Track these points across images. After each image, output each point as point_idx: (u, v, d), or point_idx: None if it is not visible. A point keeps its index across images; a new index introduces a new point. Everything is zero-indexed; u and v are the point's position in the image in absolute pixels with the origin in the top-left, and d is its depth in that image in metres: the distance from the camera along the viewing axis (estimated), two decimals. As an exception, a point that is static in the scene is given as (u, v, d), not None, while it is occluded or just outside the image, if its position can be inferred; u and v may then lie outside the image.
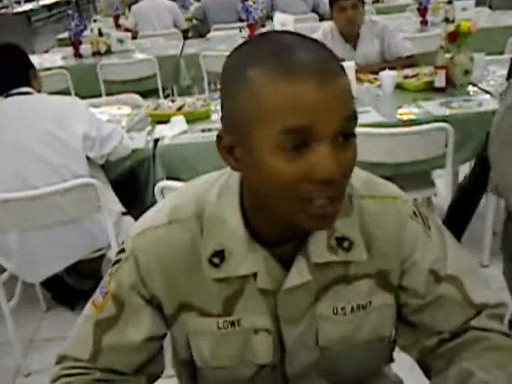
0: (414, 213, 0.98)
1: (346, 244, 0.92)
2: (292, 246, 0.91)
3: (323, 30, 3.42)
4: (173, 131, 2.57)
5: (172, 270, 0.93)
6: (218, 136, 0.84)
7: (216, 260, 0.91)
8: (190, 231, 0.92)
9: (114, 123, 2.68)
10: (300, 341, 0.97)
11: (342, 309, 0.96)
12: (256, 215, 0.90)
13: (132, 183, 2.52)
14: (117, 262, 0.97)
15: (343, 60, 2.94)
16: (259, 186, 0.80)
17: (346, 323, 0.96)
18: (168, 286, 0.94)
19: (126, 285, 0.95)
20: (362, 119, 2.52)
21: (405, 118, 2.54)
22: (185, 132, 2.58)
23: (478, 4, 5.47)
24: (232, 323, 0.95)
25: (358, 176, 0.98)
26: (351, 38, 3.36)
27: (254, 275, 0.91)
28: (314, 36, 3.35)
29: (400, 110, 2.62)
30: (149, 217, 0.98)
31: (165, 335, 1.01)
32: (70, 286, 2.71)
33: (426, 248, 0.97)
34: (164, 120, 2.71)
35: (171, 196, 1.00)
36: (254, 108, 0.75)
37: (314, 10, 6.12)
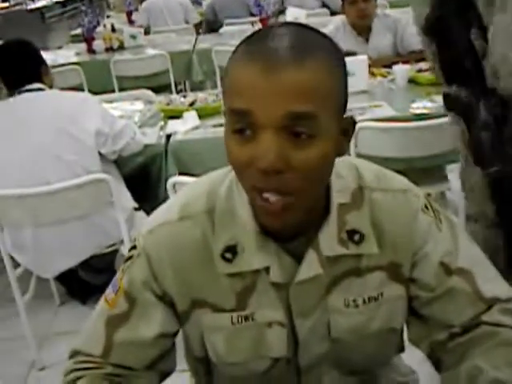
0: (426, 206, 0.98)
1: (356, 237, 0.93)
2: (303, 239, 0.92)
3: (335, 24, 3.40)
4: (185, 127, 2.57)
5: (184, 266, 0.93)
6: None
7: (228, 255, 0.92)
8: (201, 227, 0.93)
9: (127, 119, 2.69)
10: (312, 333, 0.97)
11: (354, 301, 0.96)
12: None
13: (144, 179, 2.53)
14: (129, 258, 0.98)
15: (355, 53, 2.93)
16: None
17: (357, 315, 0.96)
18: (180, 282, 0.94)
19: (138, 281, 0.95)
20: (374, 113, 2.52)
21: (418, 112, 2.51)
22: (197, 127, 2.58)
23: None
24: (246, 318, 0.95)
25: (370, 170, 0.98)
26: (363, 31, 3.33)
27: (266, 269, 0.92)
28: (326, 30, 3.37)
29: (413, 104, 2.59)
30: (160, 213, 0.99)
31: (177, 333, 1.01)
32: (84, 281, 2.73)
33: (437, 241, 0.96)
34: (176, 115, 2.71)
35: (181, 192, 1.01)
36: (224, 87, 0.83)
37: (325, 6, 6.08)
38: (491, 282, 0.98)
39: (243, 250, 0.91)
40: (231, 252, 0.91)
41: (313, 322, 0.96)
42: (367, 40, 3.34)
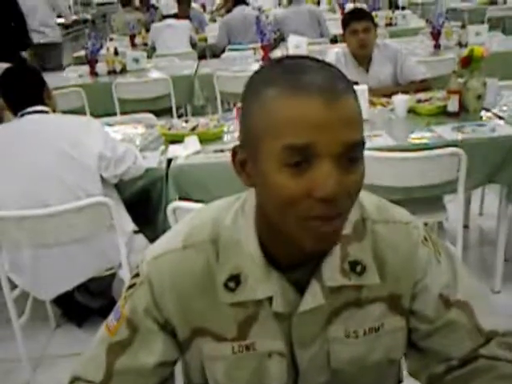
0: (425, 238, 0.99)
1: (358, 268, 0.93)
2: (306, 269, 0.92)
3: (336, 54, 3.45)
4: (186, 151, 2.58)
5: (186, 295, 0.94)
6: (234, 151, 0.87)
7: (231, 284, 0.92)
8: (205, 256, 0.93)
9: (128, 142, 2.71)
10: (312, 363, 0.97)
11: (354, 332, 0.96)
12: (271, 239, 0.91)
13: (145, 203, 2.53)
14: (132, 286, 0.98)
15: (356, 83, 2.96)
16: (266, 201, 0.83)
17: (357, 346, 0.97)
18: (182, 310, 0.94)
19: (140, 309, 0.96)
20: (374, 143, 2.54)
21: (417, 142, 2.54)
22: (198, 152, 2.59)
23: (491, 29, 5.49)
24: (247, 347, 0.96)
25: (371, 201, 0.99)
26: (364, 61, 3.38)
27: (269, 299, 0.92)
28: (327, 59, 3.41)
29: (412, 134, 2.61)
30: (164, 241, 0.99)
31: (177, 361, 1.02)
32: (80, 304, 2.72)
33: (436, 273, 0.98)
34: (178, 140, 2.73)
35: (187, 220, 1.01)
36: (263, 123, 0.79)
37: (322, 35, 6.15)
38: (489, 315, 0.99)
39: (247, 280, 0.92)
40: (234, 281, 0.92)
41: (313, 352, 0.96)
42: (367, 70, 3.38)
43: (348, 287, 0.94)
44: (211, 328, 0.95)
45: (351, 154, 0.78)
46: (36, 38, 5.86)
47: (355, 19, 3.28)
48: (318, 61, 0.83)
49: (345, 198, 0.79)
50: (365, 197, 1.00)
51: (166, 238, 1.00)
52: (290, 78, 0.78)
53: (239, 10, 6.09)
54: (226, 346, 0.96)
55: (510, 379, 0.92)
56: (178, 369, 1.07)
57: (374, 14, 4.51)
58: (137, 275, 0.98)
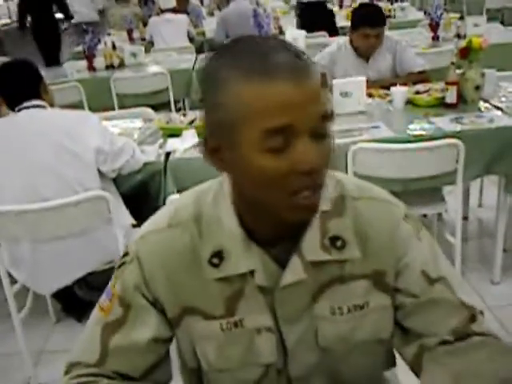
0: (406, 215, 1.01)
1: (339, 243, 0.96)
2: (287, 245, 0.94)
3: (337, 44, 3.43)
4: (184, 145, 2.59)
5: (174, 273, 0.96)
6: (204, 140, 0.88)
7: (215, 260, 0.95)
8: (189, 233, 0.96)
9: (126, 136, 2.70)
10: (301, 341, 0.99)
11: (339, 309, 0.98)
12: (249, 215, 0.93)
13: (143, 196, 2.53)
14: (121, 264, 1.01)
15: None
16: (246, 184, 0.85)
17: (343, 323, 0.99)
18: (170, 288, 0.97)
19: (131, 286, 0.98)
20: (372, 134, 2.53)
21: (415, 133, 2.53)
22: (196, 146, 2.59)
23: (489, 20, 5.48)
24: (235, 324, 0.98)
25: (351, 181, 1.03)
26: (365, 53, 3.36)
27: (252, 274, 0.94)
28: (328, 49, 3.40)
29: (411, 126, 2.61)
30: (150, 222, 1.03)
31: (171, 339, 1.03)
32: (80, 298, 2.72)
33: (417, 250, 0.99)
34: (176, 133, 2.72)
35: (172, 201, 1.03)
36: (235, 111, 0.80)
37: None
38: (464, 293, 1.00)
39: (229, 255, 0.94)
40: (218, 257, 0.94)
41: (300, 329, 0.98)
42: (367, 61, 3.36)
43: (330, 263, 0.95)
44: (199, 306, 0.97)
45: (321, 129, 0.81)
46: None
47: (369, 25, 3.19)
48: (275, 39, 0.84)
49: (324, 169, 0.84)
50: (344, 176, 1.03)
51: (151, 219, 1.04)
52: (255, 61, 0.79)
53: (235, 4, 6.06)
54: (214, 324, 0.98)
55: (508, 354, 0.92)
56: (173, 352, 1.07)
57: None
58: (126, 254, 1.00)
